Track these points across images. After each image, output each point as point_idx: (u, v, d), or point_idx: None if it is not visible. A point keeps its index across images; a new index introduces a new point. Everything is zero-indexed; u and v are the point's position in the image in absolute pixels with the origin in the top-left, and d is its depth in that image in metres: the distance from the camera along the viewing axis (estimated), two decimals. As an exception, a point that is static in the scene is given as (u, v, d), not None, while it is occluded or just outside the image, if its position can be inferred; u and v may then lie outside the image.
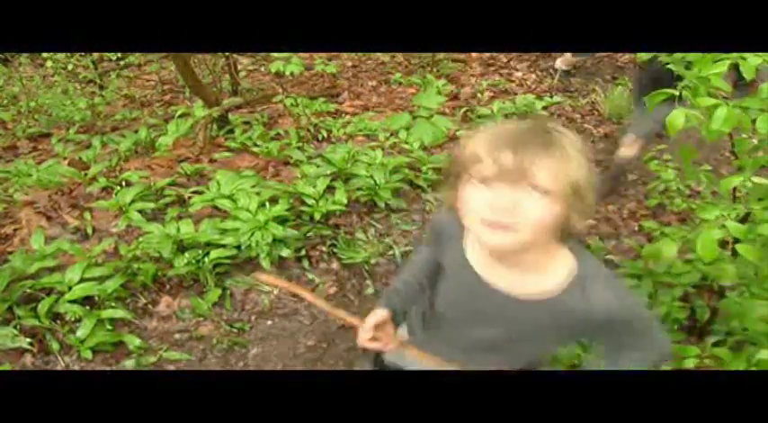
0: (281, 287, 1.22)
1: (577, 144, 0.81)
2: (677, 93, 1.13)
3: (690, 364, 1.47)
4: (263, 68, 4.23)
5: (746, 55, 1.07)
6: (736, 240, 1.19)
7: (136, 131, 3.24)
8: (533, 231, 0.79)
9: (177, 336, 2.00)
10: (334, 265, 2.35)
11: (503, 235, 0.79)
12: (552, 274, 0.89)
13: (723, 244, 1.29)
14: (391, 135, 3.22)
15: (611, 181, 2.86)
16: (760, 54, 1.06)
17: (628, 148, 2.69)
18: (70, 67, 3.69)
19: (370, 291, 2.22)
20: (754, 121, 1.12)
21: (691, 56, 1.18)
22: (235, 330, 2.03)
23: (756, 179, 1.21)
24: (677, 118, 1.11)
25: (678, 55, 1.21)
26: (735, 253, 1.33)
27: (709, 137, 1.12)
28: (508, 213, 0.77)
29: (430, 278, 1.11)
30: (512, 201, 0.77)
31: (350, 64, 4.60)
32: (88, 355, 1.86)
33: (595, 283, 0.87)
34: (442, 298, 1.04)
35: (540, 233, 0.80)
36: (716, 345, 1.50)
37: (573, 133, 0.82)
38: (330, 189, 2.63)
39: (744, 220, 1.26)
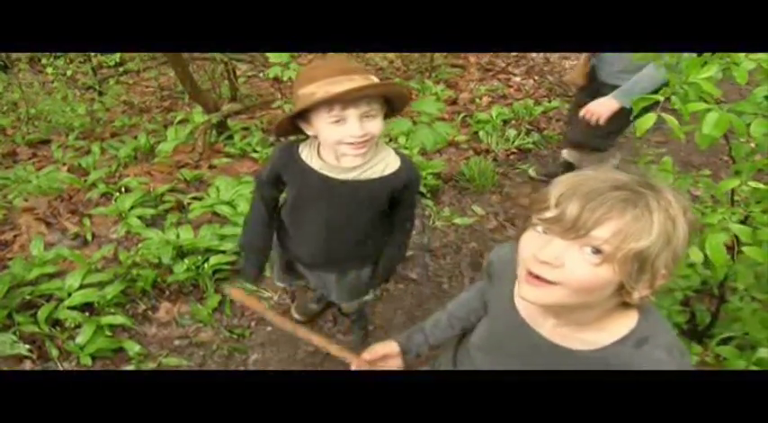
0: (250, 307, 1.18)
1: (672, 210, 0.69)
2: (661, 98, 1.10)
3: (692, 360, 1.47)
4: (261, 74, 4.24)
5: (739, 58, 1.07)
6: (739, 243, 1.19)
7: (135, 138, 3.25)
8: (574, 293, 0.71)
9: (177, 342, 2.00)
10: (334, 271, 2.34)
11: (539, 291, 0.72)
12: (609, 332, 0.79)
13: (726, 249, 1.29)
14: (390, 140, 3.22)
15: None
16: (753, 57, 1.05)
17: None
18: (69, 73, 3.70)
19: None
20: (748, 126, 1.12)
21: (685, 59, 1.17)
22: (235, 336, 2.02)
23: (753, 183, 1.22)
24: (647, 120, 1.09)
25: (672, 59, 1.21)
26: (734, 257, 1.33)
27: (701, 143, 1.12)
28: (550, 269, 0.70)
29: (469, 316, 1.07)
30: (557, 255, 0.70)
31: (348, 69, 4.60)
32: (88, 361, 1.86)
33: (655, 349, 0.75)
34: (479, 334, 1.00)
35: (584, 297, 0.72)
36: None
37: (678, 196, 0.71)
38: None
39: (743, 223, 1.26)
